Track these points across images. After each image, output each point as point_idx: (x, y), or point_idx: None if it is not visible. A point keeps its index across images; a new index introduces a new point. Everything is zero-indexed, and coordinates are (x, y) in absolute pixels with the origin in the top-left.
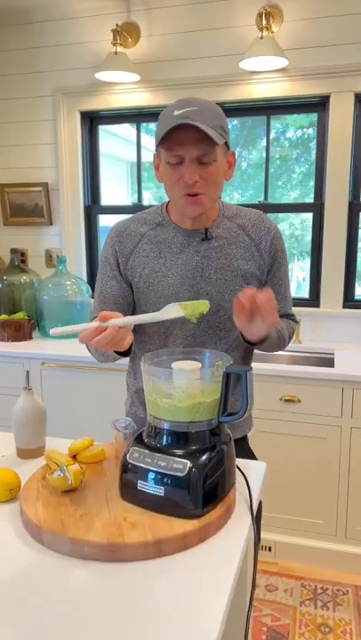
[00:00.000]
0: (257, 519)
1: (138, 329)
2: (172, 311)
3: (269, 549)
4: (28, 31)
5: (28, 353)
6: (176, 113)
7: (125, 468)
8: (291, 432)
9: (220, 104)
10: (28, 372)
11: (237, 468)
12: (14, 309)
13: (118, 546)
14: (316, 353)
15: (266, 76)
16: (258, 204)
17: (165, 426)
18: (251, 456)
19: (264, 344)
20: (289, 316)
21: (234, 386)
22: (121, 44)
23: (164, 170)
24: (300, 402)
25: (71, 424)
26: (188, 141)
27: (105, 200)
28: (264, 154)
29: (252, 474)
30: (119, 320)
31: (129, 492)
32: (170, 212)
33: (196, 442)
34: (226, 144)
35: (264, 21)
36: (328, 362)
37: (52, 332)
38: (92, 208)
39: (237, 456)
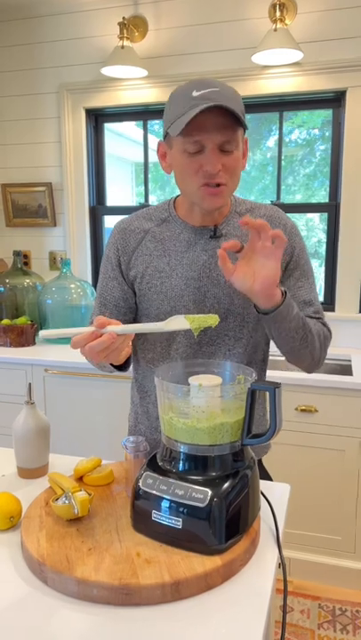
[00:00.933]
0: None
1: (139, 334)
2: (178, 323)
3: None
4: (31, 26)
5: (31, 359)
6: (195, 94)
7: (138, 495)
8: (307, 444)
9: None
10: (30, 384)
11: (261, 494)
12: (17, 314)
13: (132, 588)
14: (333, 360)
15: (279, 71)
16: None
17: (182, 449)
18: (266, 476)
19: (281, 315)
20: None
21: (257, 404)
22: (128, 38)
23: (179, 158)
24: (317, 412)
25: (76, 435)
26: (211, 127)
27: (111, 201)
28: (268, 155)
29: (275, 498)
30: (118, 327)
31: (142, 522)
32: (177, 208)
33: (217, 467)
34: (244, 129)
35: (278, 13)
36: (345, 369)
37: (41, 333)
38: (98, 209)
39: None
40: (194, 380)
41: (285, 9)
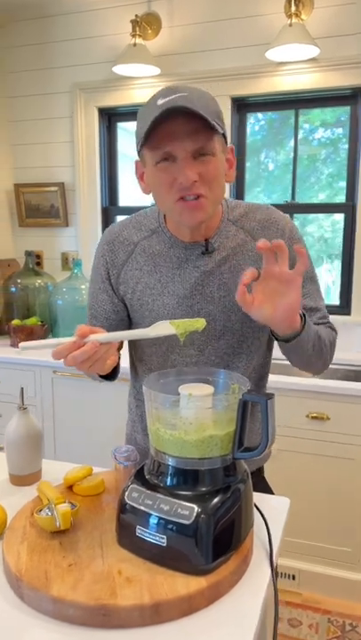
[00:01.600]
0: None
1: (137, 347)
2: (163, 328)
3: (293, 577)
4: (43, 25)
5: (39, 360)
6: (160, 102)
7: (123, 508)
8: (317, 452)
9: (245, 97)
10: (22, 388)
11: (255, 507)
12: (28, 314)
13: (109, 609)
14: (346, 365)
15: (294, 67)
16: (285, 205)
17: (170, 462)
18: (266, 488)
19: (302, 340)
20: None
21: (251, 416)
22: (140, 36)
23: (152, 174)
24: (329, 419)
25: (83, 438)
26: (179, 134)
27: (123, 201)
28: (291, 155)
29: (272, 513)
30: (101, 336)
31: (127, 537)
32: (167, 219)
33: (206, 482)
34: (224, 136)
35: (293, 8)
36: (359, 375)
37: (21, 345)
38: (110, 209)
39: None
40: (184, 390)
41: (301, 4)
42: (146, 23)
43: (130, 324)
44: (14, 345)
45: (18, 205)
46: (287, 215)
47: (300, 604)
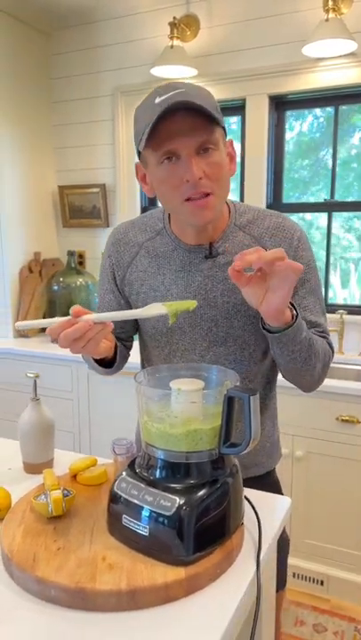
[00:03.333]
0: (281, 560)
1: (144, 349)
2: (155, 308)
3: (321, 583)
4: (86, 32)
5: (76, 357)
6: (158, 100)
7: (112, 497)
8: (347, 456)
9: (283, 95)
10: (35, 381)
11: (249, 503)
12: (69, 312)
13: (87, 592)
14: None
15: (333, 63)
16: (323, 203)
17: (158, 455)
18: (274, 488)
19: (289, 336)
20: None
21: (240, 412)
22: (178, 38)
23: (155, 175)
24: (360, 423)
25: (116, 433)
26: (182, 131)
27: None
28: (353, 152)
29: (270, 511)
30: (93, 315)
31: (115, 526)
32: (171, 221)
33: (193, 475)
34: (224, 130)
35: (330, 2)
36: None
37: (17, 324)
38: (149, 209)
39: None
40: (174, 384)
41: None
42: (185, 25)
43: (135, 325)
44: (54, 341)
45: (62, 207)
46: (297, 223)
47: (328, 610)
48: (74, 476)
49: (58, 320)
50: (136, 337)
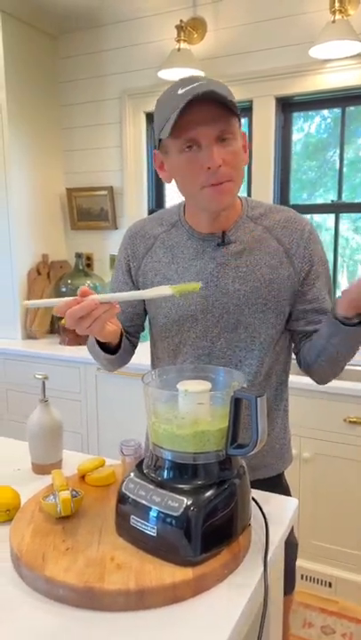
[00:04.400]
0: (290, 563)
1: (154, 341)
2: (161, 290)
3: (330, 585)
4: (93, 35)
5: (84, 358)
6: (181, 91)
7: (120, 498)
8: (355, 457)
9: (290, 97)
10: (44, 382)
11: (256, 504)
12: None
13: (95, 592)
14: None
15: (340, 64)
16: (330, 204)
17: (166, 456)
18: (285, 492)
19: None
20: None
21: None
22: (185, 41)
23: (176, 163)
24: None
25: (124, 434)
26: (203, 120)
27: (170, 203)
28: None
29: (277, 512)
30: (99, 295)
31: (123, 526)
32: (186, 212)
33: (201, 476)
34: (239, 121)
35: (337, 4)
36: None
37: (25, 303)
38: (156, 211)
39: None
40: (182, 386)
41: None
42: (191, 27)
43: (143, 319)
44: (63, 343)
45: (70, 209)
46: (307, 217)
47: (336, 612)
48: (82, 477)
49: (65, 300)
50: (147, 337)
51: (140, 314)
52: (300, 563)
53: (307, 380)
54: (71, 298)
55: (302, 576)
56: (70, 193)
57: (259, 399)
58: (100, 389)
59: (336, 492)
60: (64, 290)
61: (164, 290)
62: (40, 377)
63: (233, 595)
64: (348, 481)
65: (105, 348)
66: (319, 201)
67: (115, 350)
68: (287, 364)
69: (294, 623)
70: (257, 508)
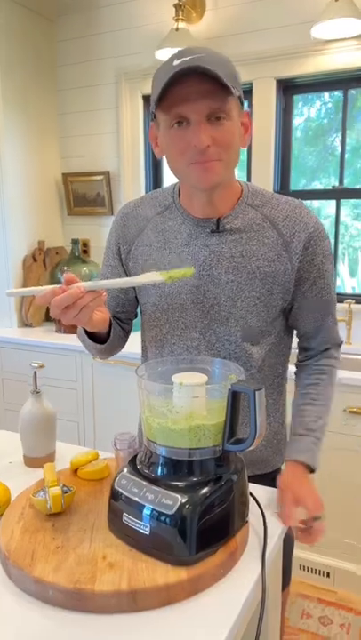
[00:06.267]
0: (286, 557)
1: (144, 330)
2: (151, 276)
3: (328, 575)
4: (89, 18)
5: (81, 346)
6: (176, 63)
7: (113, 494)
8: (355, 448)
9: (292, 79)
10: (35, 372)
11: (255, 500)
12: None
13: (86, 593)
14: None
15: (342, 45)
16: (331, 190)
17: (160, 451)
18: None
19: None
20: (330, 350)
21: (246, 407)
22: (183, 20)
23: (166, 138)
24: None
25: (120, 424)
26: (194, 96)
27: None
28: None
29: (275, 507)
30: (86, 283)
31: (115, 523)
32: (181, 195)
33: (196, 472)
34: (240, 99)
35: None
36: None
37: (7, 292)
38: None
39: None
40: (176, 378)
41: None
42: (190, 6)
43: (135, 305)
44: (59, 331)
45: (67, 194)
46: (314, 213)
47: (334, 602)
48: (75, 471)
49: (50, 288)
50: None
51: (131, 300)
52: (298, 553)
53: None
54: (56, 286)
55: (300, 566)
56: (66, 178)
57: (257, 392)
58: (96, 378)
59: (336, 482)
60: (60, 277)
61: (155, 276)
62: (35, 365)
63: (229, 596)
64: (348, 471)
65: (94, 337)
66: (320, 187)
67: (105, 339)
68: (284, 357)
69: (292, 614)
70: (255, 503)
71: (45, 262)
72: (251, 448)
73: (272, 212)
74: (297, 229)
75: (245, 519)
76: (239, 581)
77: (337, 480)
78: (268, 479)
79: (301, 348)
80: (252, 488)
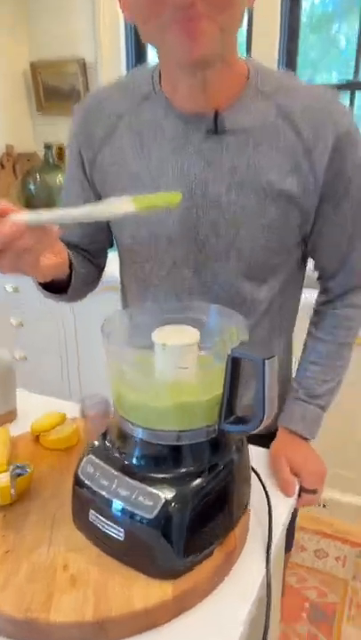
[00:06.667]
0: (291, 523)
1: (123, 267)
2: (118, 206)
3: (324, 506)
4: None
5: None
6: None
7: (77, 481)
8: (351, 380)
9: None
10: None
11: (258, 478)
12: None
13: (39, 625)
14: None
15: None
16: (345, 84)
17: (137, 434)
18: None
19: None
20: (354, 294)
21: (246, 378)
22: None
23: None
24: None
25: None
26: None
27: None
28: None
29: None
30: (25, 215)
31: (81, 519)
32: (162, 78)
33: (184, 461)
34: None
35: None
36: None
37: None
38: None
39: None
40: (159, 337)
41: None
42: None
43: (108, 234)
44: None
45: (36, 88)
46: (347, 108)
47: (330, 534)
48: (37, 437)
49: None
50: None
51: (103, 228)
52: None
53: (311, 300)
54: None
55: None
56: (35, 69)
57: (267, 362)
58: (76, 307)
59: (331, 414)
60: (32, 187)
61: (123, 204)
62: (10, 290)
63: (229, 609)
64: (343, 403)
65: (50, 286)
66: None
67: (65, 286)
68: (295, 300)
69: None
70: (258, 482)
71: (15, 169)
72: (256, 431)
73: (289, 101)
74: (322, 131)
75: (246, 508)
76: (239, 589)
77: (333, 412)
78: (270, 439)
79: (320, 290)
80: (251, 454)
